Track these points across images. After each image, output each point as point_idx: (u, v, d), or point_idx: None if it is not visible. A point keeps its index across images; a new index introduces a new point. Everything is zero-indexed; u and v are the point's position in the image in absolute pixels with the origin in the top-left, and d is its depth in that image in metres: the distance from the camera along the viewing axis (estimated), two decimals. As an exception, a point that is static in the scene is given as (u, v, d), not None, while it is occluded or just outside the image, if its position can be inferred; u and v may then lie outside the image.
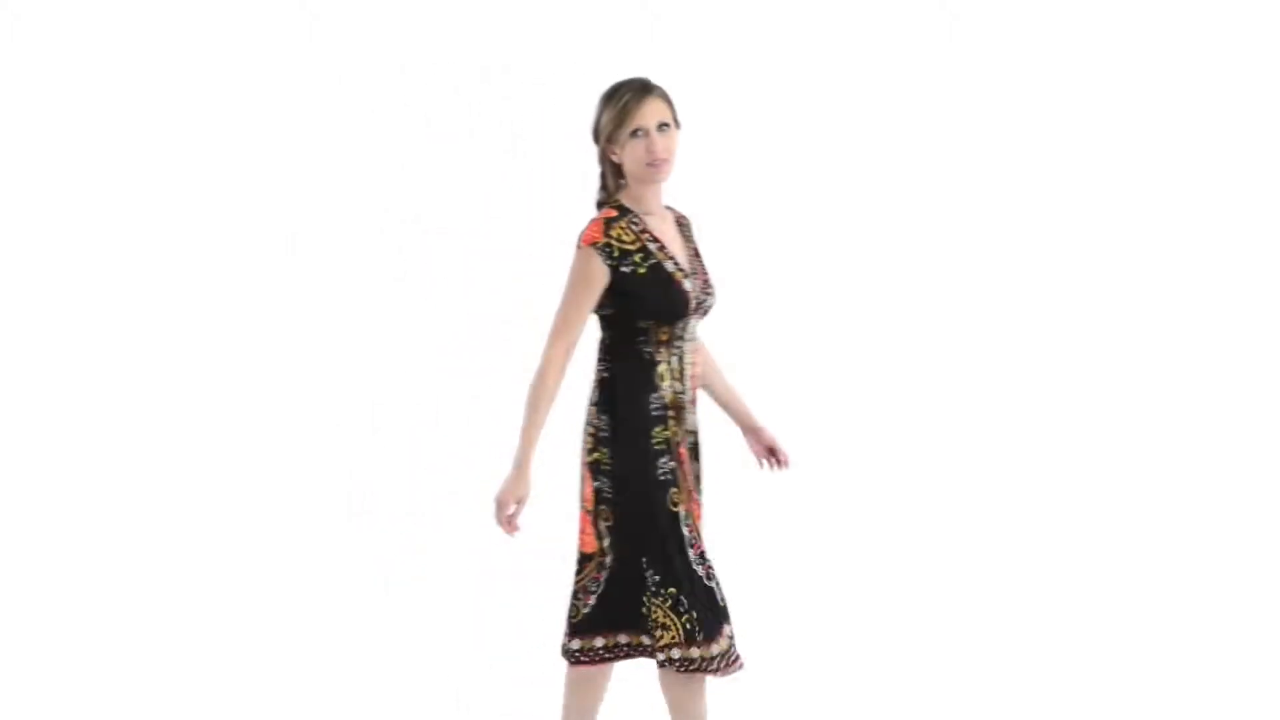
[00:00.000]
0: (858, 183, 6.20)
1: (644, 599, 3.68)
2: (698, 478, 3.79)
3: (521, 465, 3.70)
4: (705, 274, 3.77)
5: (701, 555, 3.69)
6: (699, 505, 3.76)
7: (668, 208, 3.82)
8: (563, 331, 3.67)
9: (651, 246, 3.67)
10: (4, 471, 5.92)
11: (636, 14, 6.10)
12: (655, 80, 3.73)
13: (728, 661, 3.68)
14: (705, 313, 3.78)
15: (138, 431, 6.00)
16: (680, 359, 3.71)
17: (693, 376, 3.75)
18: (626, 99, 3.65)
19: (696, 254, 3.80)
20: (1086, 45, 6.21)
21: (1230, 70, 6.19)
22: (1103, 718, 4.69)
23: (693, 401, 3.75)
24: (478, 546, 5.86)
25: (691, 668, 3.67)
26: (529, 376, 3.68)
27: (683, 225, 3.83)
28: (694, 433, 3.76)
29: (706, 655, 3.65)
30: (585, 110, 6.04)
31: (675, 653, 3.68)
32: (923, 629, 5.38)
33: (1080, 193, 6.26)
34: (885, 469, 6.08)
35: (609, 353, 3.73)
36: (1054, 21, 6.20)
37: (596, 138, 3.72)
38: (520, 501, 3.70)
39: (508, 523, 3.71)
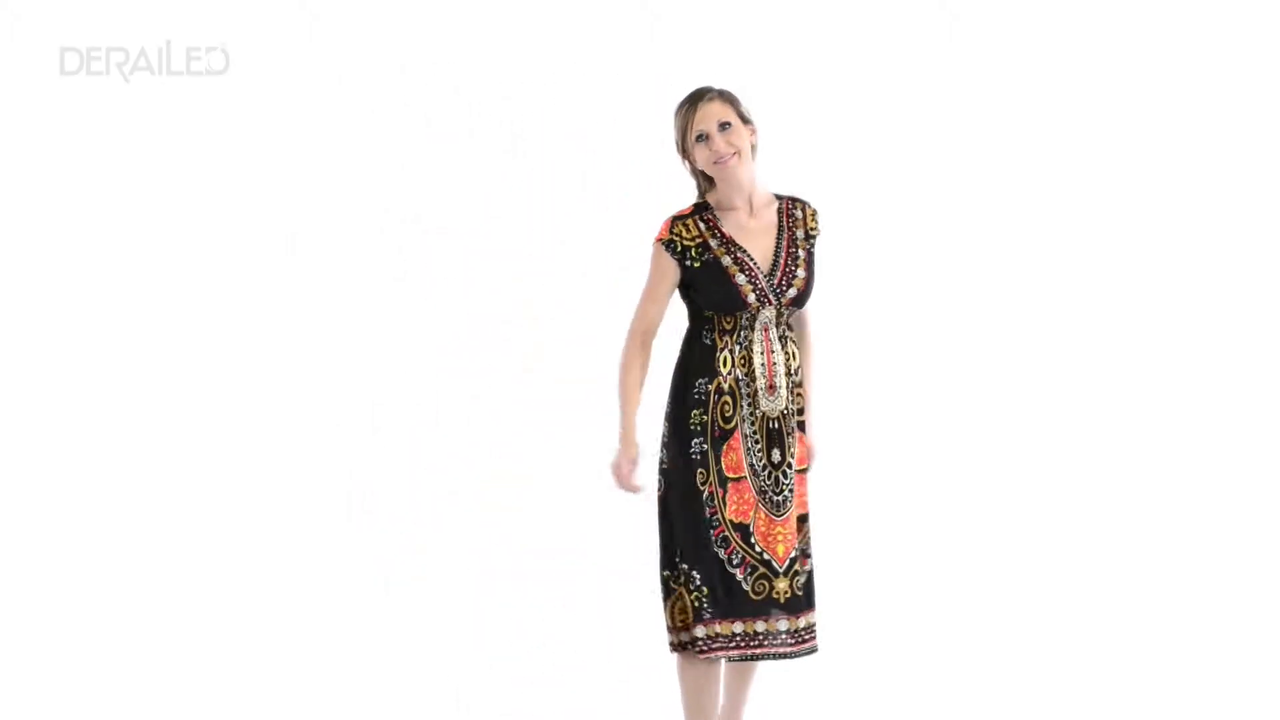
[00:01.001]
0: (856, 182, 6.19)
1: (670, 569, 3.89)
2: (774, 464, 3.89)
3: (623, 436, 3.92)
4: (792, 267, 3.93)
5: (724, 539, 3.85)
6: (752, 490, 3.87)
7: (782, 196, 4.01)
8: (636, 321, 3.94)
9: (713, 241, 3.88)
10: (5, 472, 5.92)
11: (636, 14, 6.10)
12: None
13: (698, 649, 3.84)
14: (792, 303, 3.93)
15: (138, 432, 6.00)
16: (748, 347, 3.88)
17: (769, 365, 3.89)
18: (685, 108, 3.91)
19: (792, 245, 3.95)
20: (1087, 44, 6.21)
21: (1230, 68, 6.19)
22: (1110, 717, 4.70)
23: (770, 388, 3.89)
24: (478, 546, 5.87)
25: (682, 646, 3.88)
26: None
27: (791, 216, 3.99)
28: (769, 418, 3.89)
29: (691, 638, 3.85)
30: (584, 110, 6.09)
31: (685, 635, 3.86)
32: (952, 632, 5.39)
33: (1081, 194, 6.25)
34: (901, 468, 6.10)
35: (684, 338, 3.98)
36: (1054, 21, 6.20)
37: (678, 151, 3.97)
38: (632, 463, 3.91)
39: (626, 482, 3.92)
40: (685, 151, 3.93)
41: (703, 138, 3.87)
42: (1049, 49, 6.19)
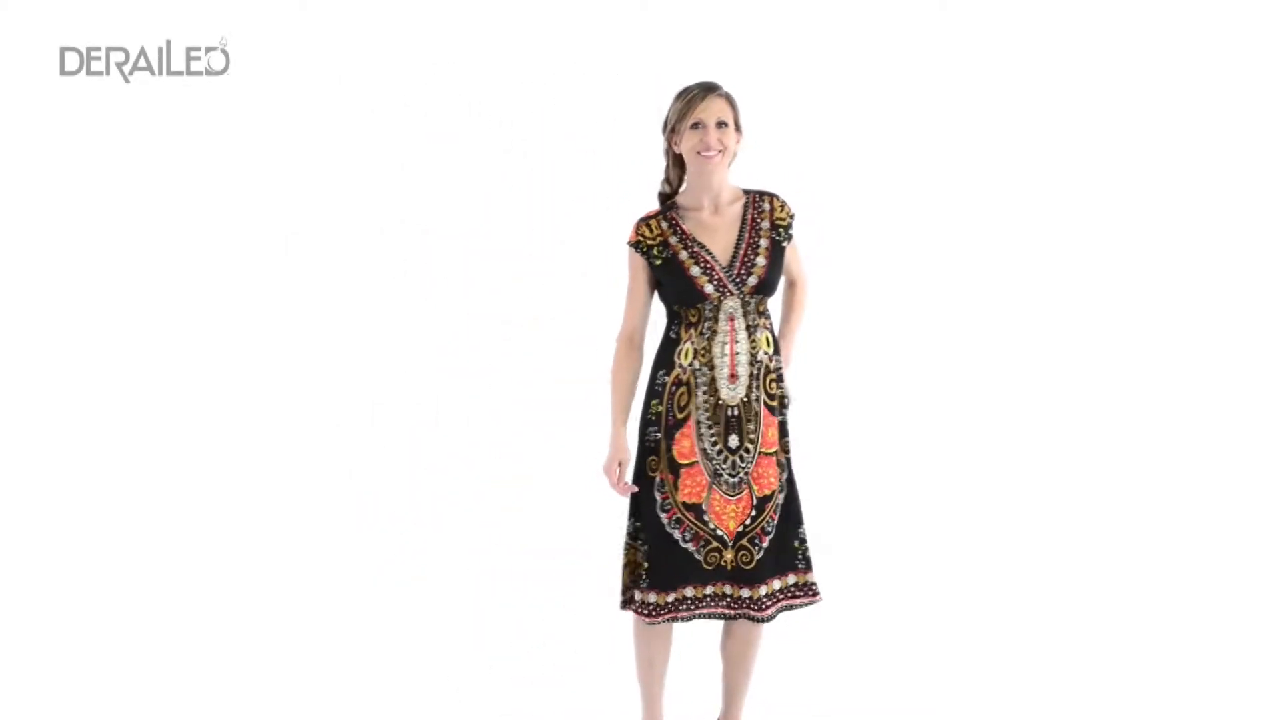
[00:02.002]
0: (854, 182, 6.20)
1: (631, 525, 4.12)
2: (730, 449, 4.02)
3: (612, 437, 4.11)
4: (752, 257, 4.03)
5: (678, 520, 4.03)
6: (705, 473, 4.02)
7: (749, 191, 4.10)
8: (622, 324, 4.13)
9: (673, 239, 4.03)
10: (4, 473, 5.92)
11: (636, 15, 6.11)
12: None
13: (644, 611, 4.04)
14: (755, 292, 4.02)
15: (138, 432, 6.00)
16: (709, 338, 4.01)
17: (731, 354, 4.01)
18: (693, 95, 4.02)
19: (755, 237, 4.06)
20: (1080, 37, 6.21)
21: (1228, 64, 6.19)
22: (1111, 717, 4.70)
23: (731, 376, 4.00)
24: (478, 546, 5.88)
25: (626, 603, 4.09)
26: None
27: (757, 209, 4.09)
28: (728, 406, 4.01)
29: (635, 598, 4.06)
30: (583, 110, 6.09)
31: (630, 593, 4.08)
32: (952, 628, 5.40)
33: (1072, 185, 6.26)
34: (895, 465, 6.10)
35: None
36: (1048, 21, 6.20)
37: (664, 130, 4.08)
38: (621, 464, 4.09)
39: (618, 485, 4.10)
40: (673, 131, 4.03)
41: (698, 126, 3.98)
42: (1043, 44, 6.20)
